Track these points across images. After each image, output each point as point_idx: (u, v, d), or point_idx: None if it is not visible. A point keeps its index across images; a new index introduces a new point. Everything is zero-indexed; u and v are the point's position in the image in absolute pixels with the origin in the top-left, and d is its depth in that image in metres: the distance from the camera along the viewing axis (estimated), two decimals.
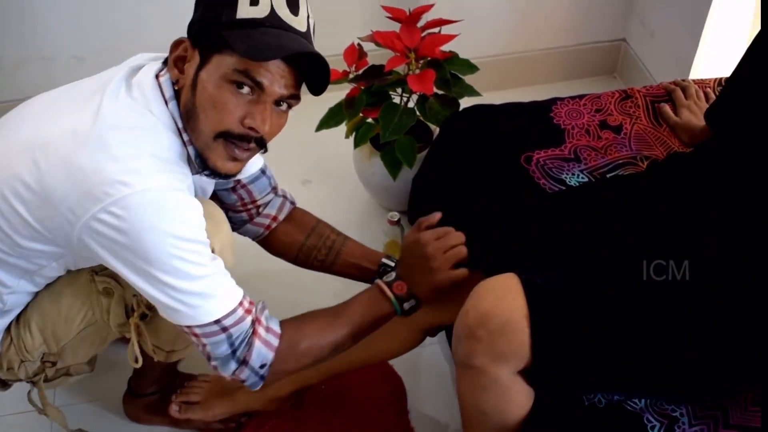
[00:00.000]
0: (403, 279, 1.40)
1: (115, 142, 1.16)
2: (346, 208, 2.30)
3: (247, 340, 1.28)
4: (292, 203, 1.64)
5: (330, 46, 1.68)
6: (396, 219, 1.97)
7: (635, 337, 1.25)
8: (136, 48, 2.34)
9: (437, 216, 1.46)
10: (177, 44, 1.25)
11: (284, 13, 1.21)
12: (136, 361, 1.44)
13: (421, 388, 1.85)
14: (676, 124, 1.82)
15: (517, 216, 1.51)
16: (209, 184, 1.46)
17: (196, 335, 1.26)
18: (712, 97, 1.87)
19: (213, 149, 1.25)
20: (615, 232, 1.39)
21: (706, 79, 1.94)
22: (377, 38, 1.94)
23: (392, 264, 1.60)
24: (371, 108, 1.95)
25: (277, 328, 1.32)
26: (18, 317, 1.43)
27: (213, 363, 1.30)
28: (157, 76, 1.26)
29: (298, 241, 1.62)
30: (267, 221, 1.60)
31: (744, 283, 1.24)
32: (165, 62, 1.28)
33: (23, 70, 2.49)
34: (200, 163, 1.28)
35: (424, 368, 1.90)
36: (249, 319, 1.28)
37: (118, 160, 1.15)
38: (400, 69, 1.95)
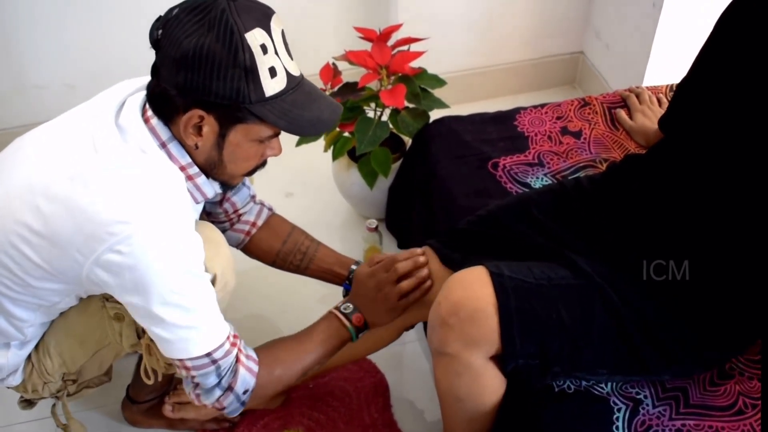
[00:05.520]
0: (360, 311, 1.47)
1: (113, 184, 1.16)
2: (328, 217, 2.31)
3: (232, 368, 1.30)
4: (270, 209, 1.66)
5: (306, 65, 1.70)
6: (374, 226, 1.99)
7: (595, 323, 1.28)
8: (127, 73, 2.34)
9: (382, 257, 1.54)
10: (185, 111, 1.19)
11: (292, 67, 1.21)
12: (149, 378, 1.46)
13: (402, 383, 1.86)
14: (632, 128, 1.86)
15: (485, 218, 1.52)
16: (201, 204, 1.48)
17: (186, 368, 1.28)
18: (664, 101, 1.90)
19: (237, 179, 1.34)
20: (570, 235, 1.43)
21: (658, 86, 1.97)
22: (350, 57, 1.96)
23: None
24: (347, 122, 1.97)
25: (255, 356, 1.35)
26: (36, 345, 1.45)
27: (197, 392, 1.32)
28: (146, 120, 1.23)
29: (275, 247, 1.65)
30: (246, 227, 1.62)
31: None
32: (148, 95, 1.24)
33: (16, 99, 2.47)
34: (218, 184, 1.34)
35: (405, 364, 1.92)
36: (234, 350, 1.30)
37: (117, 200, 1.15)
38: (373, 85, 1.97)
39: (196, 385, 1.31)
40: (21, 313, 1.34)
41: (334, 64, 2.04)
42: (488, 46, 2.67)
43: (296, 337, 1.45)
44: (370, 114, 2.01)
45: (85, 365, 1.47)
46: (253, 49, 1.14)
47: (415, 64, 1.99)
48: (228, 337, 1.28)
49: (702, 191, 1.32)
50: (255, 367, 1.33)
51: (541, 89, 2.81)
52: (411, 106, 1.99)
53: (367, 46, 2.00)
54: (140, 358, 1.50)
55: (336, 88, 2.00)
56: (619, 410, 1.32)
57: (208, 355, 1.25)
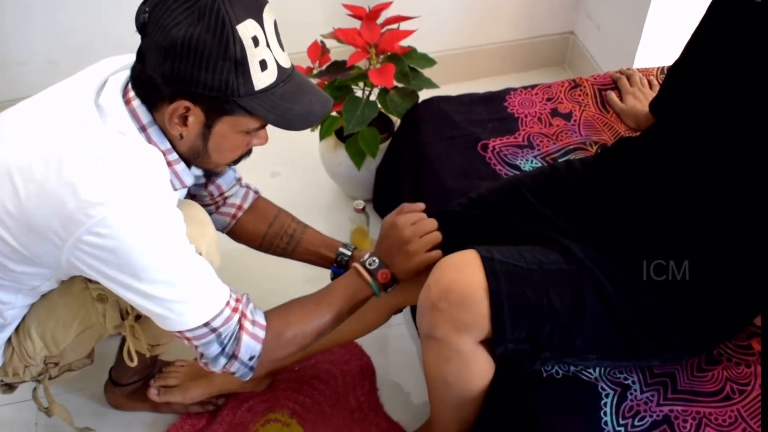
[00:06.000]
0: (386, 264, 1.40)
1: (90, 165, 1.12)
2: (314, 197, 2.28)
3: (234, 335, 1.27)
4: (256, 192, 1.63)
5: (293, 43, 1.67)
6: (361, 207, 1.96)
7: (586, 308, 1.27)
8: (110, 50, 2.30)
9: (421, 206, 1.46)
10: (171, 101, 1.15)
11: (283, 59, 1.18)
12: (132, 360, 1.43)
13: (389, 366, 1.85)
14: (622, 110, 1.84)
15: (476, 201, 1.50)
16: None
17: (187, 338, 1.25)
18: (655, 84, 1.89)
19: (221, 167, 1.33)
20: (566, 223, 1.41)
21: (649, 68, 1.96)
22: (339, 35, 1.93)
23: (348, 253, 1.61)
24: (335, 102, 1.93)
25: (262, 321, 1.31)
26: (17, 327, 1.41)
27: (203, 361, 1.29)
28: (127, 102, 1.19)
29: (261, 230, 1.62)
30: (233, 210, 1.59)
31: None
32: (132, 78, 1.20)
33: None
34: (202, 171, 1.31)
35: (391, 347, 1.90)
36: (236, 316, 1.26)
37: (92, 181, 1.11)
38: (362, 64, 1.94)
39: (201, 354, 1.28)
40: (1, 296, 1.31)
41: (322, 42, 2.01)
42: (478, 25, 2.64)
43: (314, 296, 1.39)
44: (359, 93, 1.98)
45: (68, 348, 1.44)
46: (245, 42, 1.10)
47: (404, 42, 1.96)
48: (227, 303, 1.25)
49: (695, 177, 1.31)
50: (261, 333, 1.29)
51: (531, 69, 2.79)
52: (400, 85, 1.96)
53: (355, 23, 1.96)
54: (123, 340, 1.48)
55: (324, 67, 1.97)
56: (607, 395, 1.32)
57: (206, 324, 1.22)
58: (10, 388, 1.54)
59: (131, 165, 1.15)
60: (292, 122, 1.19)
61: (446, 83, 2.13)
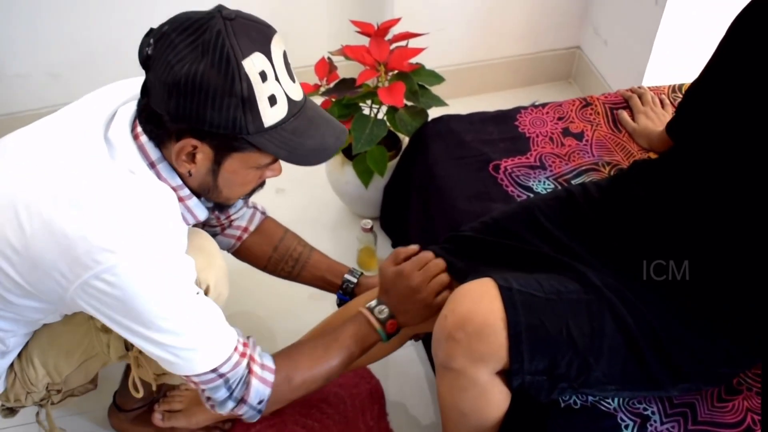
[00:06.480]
0: (393, 314, 1.38)
1: (99, 209, 1.08)
2: (320, 214, 2.26)
3: (243, 380, 1.24)
4: (263, 213, 1.60)
5: (300, 58, 1.65)
6: (369, 226, 1.94)
7: (605, 339, 1.24)
8: (110, 63, 2.28)
9: (415, 248, 1.44)
10: (177, 139, 1.11)
11: (293, 91, 1.12)
12: (137, 391, 1.40)
13: (398, 389, 1.82)
14: (634, 130, 1.82)
15: (490, 225, 1.47)
16: None
17: (194, 382, 1.22)
18: (667, 103, 1.86)
19: (233, 200, 1.29)
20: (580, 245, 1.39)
21: (660, 86, 1.93)
22: (348, 53, 1.91)
23: (354, 280, 1.59)
24: (343, 120, 1.91)
25: (271, 364, 1.28)
26: (20, 353, 1.38)
27: (210, 403, 1.27)
28: (135, 137, 1.15)
29: (267, 252, 1.59)
30: (238, 232, 1.56)
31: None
32: (138, 113, 1.16)
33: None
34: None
35: (400, 370, 1.87)
36: (245, 361, 1.23)
37: (103, 226, 1.06)
38: (370, 81, 1.92)
39: (208, 398, 1.25)
40: (2, 324, 1.27)
41: (329, 58, 1.98)
42: (485, 40, 2.63)
43: (323, 340, 1.36)
44: (366, 111, 1.96)
45: (70, 375, 1.41)
46: (252, 78, 1.05)
47: (412, 59, 1.94)
48: (235, 348, 1.22)
49: (716, 202, 1.29)
50: (270, 377, 1.27)
51: (537, 84, 2.78)
52: (409, 104, 1.94)
53: (362, 39, 1.94)
54: (128, 366, 1.45)
55: (332, 84, 1.94)
56: (626, 426, 1.29)
57: (214, 370, 1.20)
58: (11, 412, 1.50)
59: (141, 209, 1.11)
60: (305, 158, 1.14)
61: (452, 97, 2.11)
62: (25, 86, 2.40)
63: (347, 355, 1.36)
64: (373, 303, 1.40)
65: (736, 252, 1.27)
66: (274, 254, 1.59)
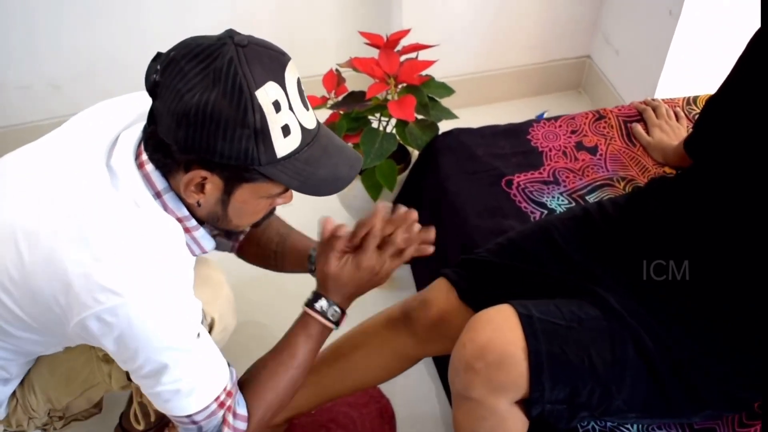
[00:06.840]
0: (343, 308, 1.29)
1: (101, 241, 1.03)
2: None
3: (216, 429, 1.18)
4: None
5: (308, 69, 1.60)
6: None
7: (627, 367, 1.20)
8: (113, 75, 2.25)
9: (343, 228, 1.34)
10: (186, 170, 1.06)
11: (307, 120, 1.07)
12: (139, 423, 1.37)
13: (408, 408, 1.79)
14: (649, 144, 1.78)
15: (506, 247, 1.44)
16: None
17: (168, 415, 1.18)
18: (682, 116, 1.83)
19: (242, 228, 1.24)
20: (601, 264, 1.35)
21: (675, 99, 1.90)
22: (356, 65, 1.86)
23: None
24: (352, 133, 1.87)
25: (244, 412, 1.21)
26: (22, 380, 1.35)
27: None
28: (140, 165, 1.10)
29: (255, 252, 1.52)
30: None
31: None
32: (145, 141, 1.10)
33: (1, 99, 2.37)
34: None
35: (410, 389, 1.83)
36: (221, 413, 1.17)
37: (104, 264, 1.02)
38: (379, 94, 1.88)
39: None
40: (2, 354, 1.24)
41: (337, 70, 1.95)
42: (495, 49, 2.60)
43: (275, 355, 1.28)
44: (375, 124, 1.92)
45: (72, 402, 1.38)
46: (265, 109, 0.99)
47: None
48: (217, 398, 1.15)
49: (737, 220, 1.26)
50: (242, 426, 1.21)
51: (547, 93, 2.74)
52: (419, 117, 1.90)
53: (371, 50, 1.90)
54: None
55: (340, 98, 1.91)
56: None
57: (189, 416, 1.14)
58: None
59: (146, 248, 1.06)
60: (317, 188, 1.09)
61: (461, 107, 2.08)
62: (27, 98, 2.37)
63: (304, 359, 1.27)
64: (324, 305, 1.28)
65: (755, 259, 1.23)
66: (261, 252, 1.51)
